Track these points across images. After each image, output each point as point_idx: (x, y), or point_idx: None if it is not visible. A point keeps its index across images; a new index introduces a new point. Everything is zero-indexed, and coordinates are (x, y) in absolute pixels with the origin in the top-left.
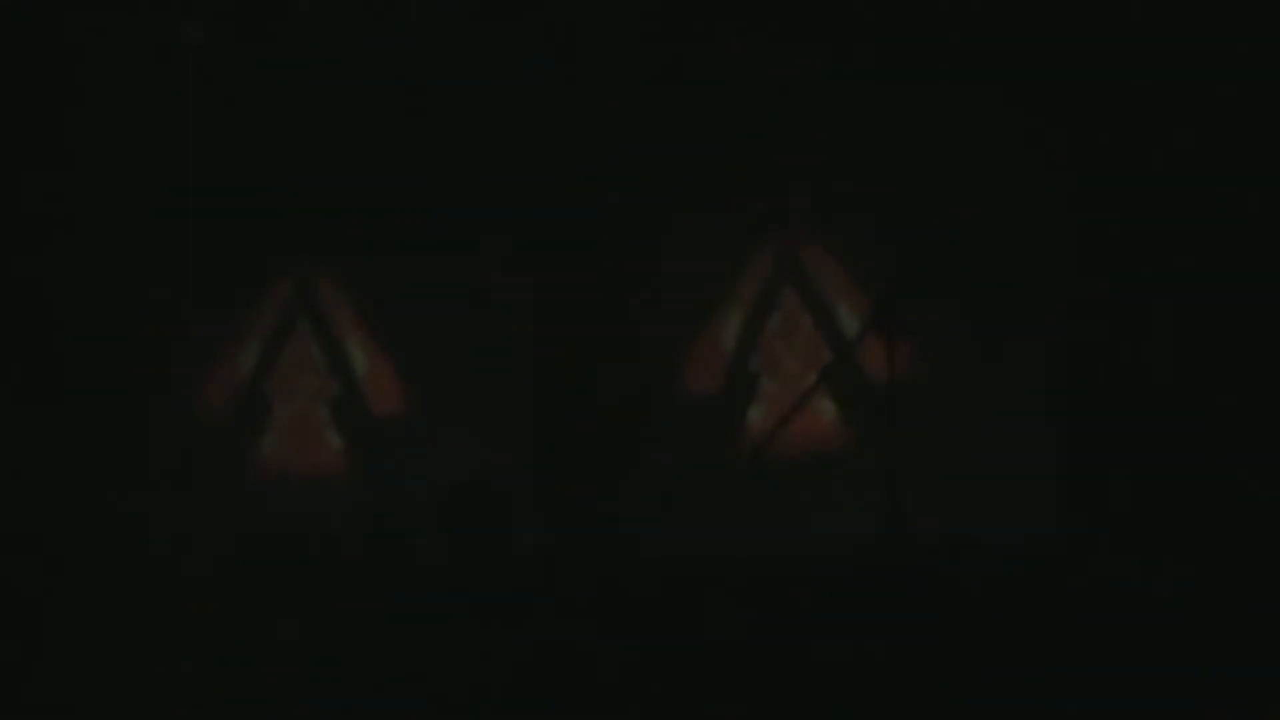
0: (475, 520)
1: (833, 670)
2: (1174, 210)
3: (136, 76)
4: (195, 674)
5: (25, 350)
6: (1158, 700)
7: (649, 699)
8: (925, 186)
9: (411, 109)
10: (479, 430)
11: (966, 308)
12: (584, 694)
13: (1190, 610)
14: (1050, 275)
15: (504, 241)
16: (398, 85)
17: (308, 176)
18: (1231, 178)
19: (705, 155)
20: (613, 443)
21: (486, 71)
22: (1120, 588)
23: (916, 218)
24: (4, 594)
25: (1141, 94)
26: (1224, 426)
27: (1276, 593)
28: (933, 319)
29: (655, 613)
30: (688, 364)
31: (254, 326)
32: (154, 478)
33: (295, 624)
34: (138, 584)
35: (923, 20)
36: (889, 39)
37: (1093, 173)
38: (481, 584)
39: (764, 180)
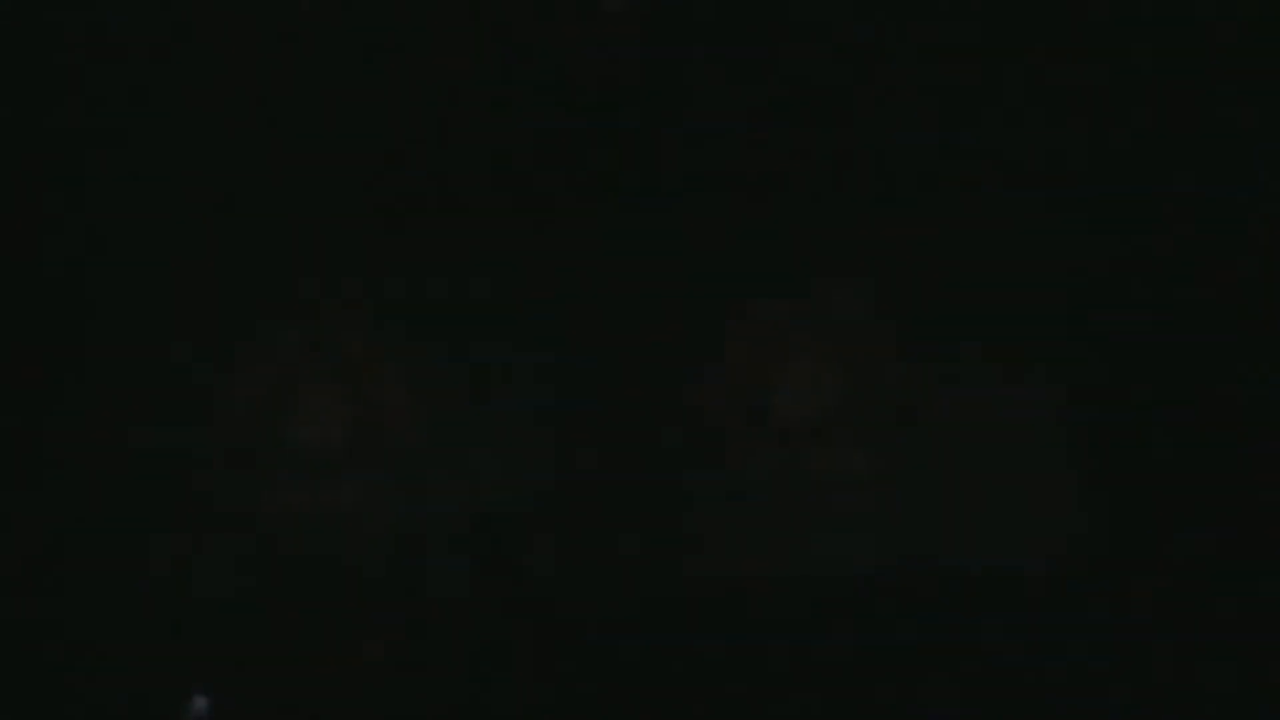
0: (495, 547)
1: (856, 692)
2: (1192, 231)
3: (151, 86)
4: (220, 698)
5: (50, 379)
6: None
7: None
8: (944, 217)
9: (437, 126)
10: (500, 458)
11: (987, 333)
12: (602, 716)
13: (1207, 628)
14: (1069, 300)
15: (527, 267)
16: (422, 102)
17: (327, 202)
18: (1241, 195)
19: (732, 181)
20: (632, 470)
21: (519, 98)
22: (1142, 608)
23: (937, 246)
24: (24, 620)
25: (1144, 108)
26: (1249, 448)
27: None
28: (954, 345)
29: (674, 637)
30: (709, 391)
31: (274, 352)
32: (173, 505)
33: (318, 649)
34: (157, 611)
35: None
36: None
37: (1111, 200)
38: (501, 610)
39: (791, 207)
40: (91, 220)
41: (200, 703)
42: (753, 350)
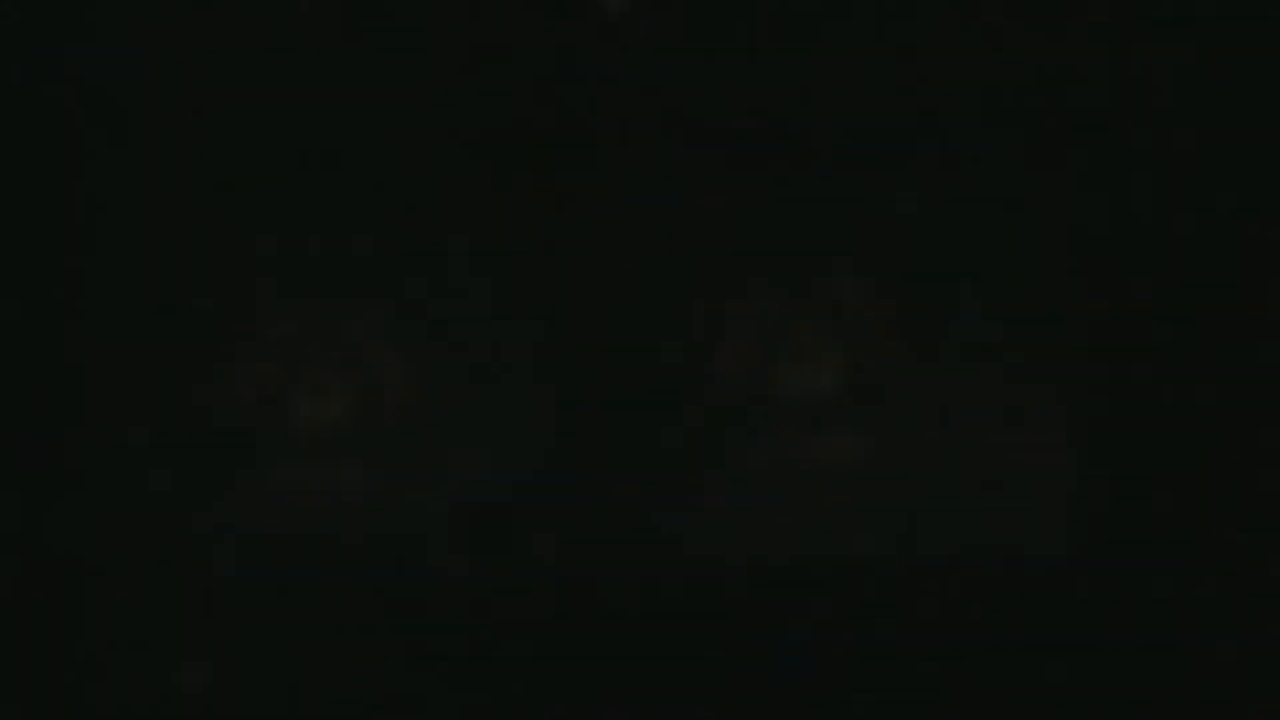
0: (494, 535)
1: (850, 683)
2: (1199, 228)
3: (150, 79)
4: (209, 680)
5: (45, 357)
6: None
7: (665, 713)
8: (947, 207)
9: (437, 121)
10: (498, 443)
11: (989, 323)
12: (600, 707)
13: (1212, 626)
14: (1072, 291)
15: (530, 250)
16: (421, 98)
17: (325, 184)
18: (1248, 193)
19: (732, 176)
20: (632, 455)
21: (519, 94)
22: (1138, 605)
23: (939, 234)
24: (20, 596)
25: (1152, 104)
26: (1249, 444)
27: None
28: (955, 333)
29: (673, 625)
30: (708, 376)
31: (271, 335)
32: (169, 485)
33: (309, 636)
34: (151, 589)
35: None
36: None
37: (1118, 191)
38: (499, 600)
39: (792, 202)
40: (91, 200)
41: (198, 677)
42: (756, 340)
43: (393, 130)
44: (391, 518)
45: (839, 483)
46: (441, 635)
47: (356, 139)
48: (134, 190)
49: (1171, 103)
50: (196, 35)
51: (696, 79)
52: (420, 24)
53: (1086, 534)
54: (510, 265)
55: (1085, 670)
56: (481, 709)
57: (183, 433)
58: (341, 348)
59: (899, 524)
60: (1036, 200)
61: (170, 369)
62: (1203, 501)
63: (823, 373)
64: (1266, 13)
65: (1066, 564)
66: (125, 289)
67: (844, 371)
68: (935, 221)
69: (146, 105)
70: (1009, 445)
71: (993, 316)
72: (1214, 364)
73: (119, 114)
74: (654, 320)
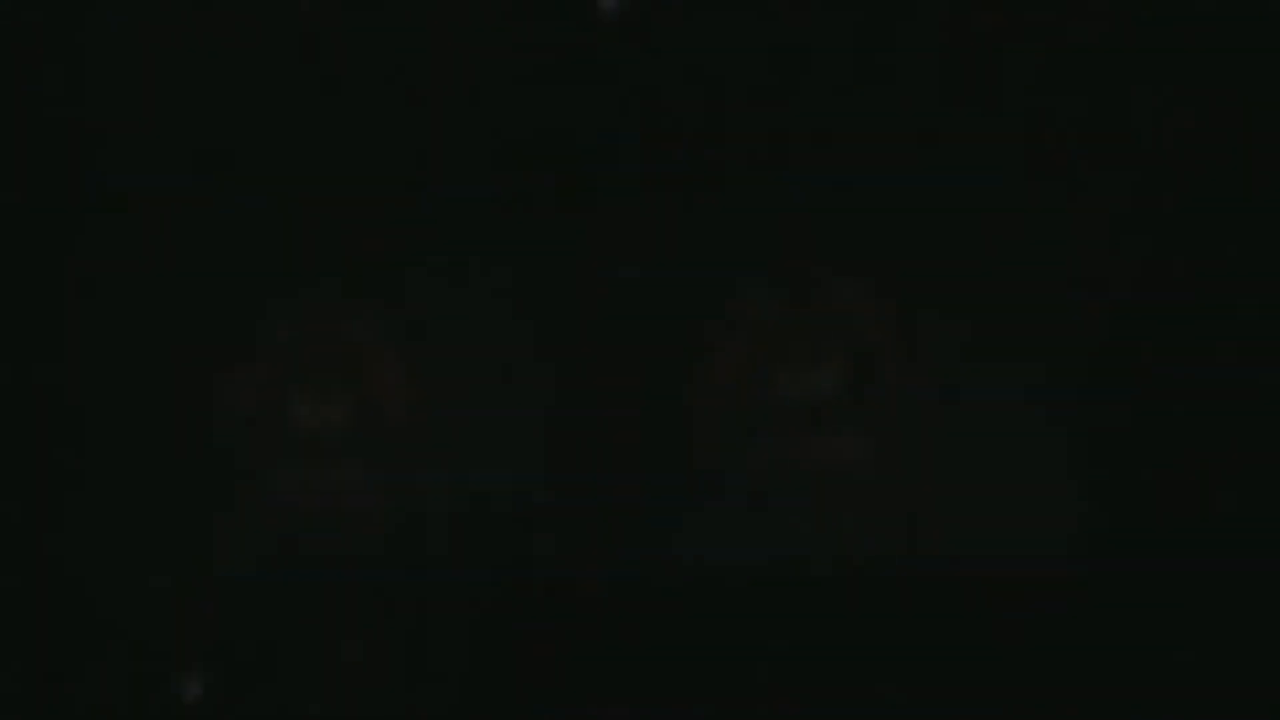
0: (494, 535)
1: (850, 683)
2: (1200, 228)
3: (150, 81)
4: (209, 681)
5: (43, 365)
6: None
7: (665, 713)
8: (944, 206)
9: (433, 122)
10: (497, 444)
11: (985, 323)
12: (600, 707)
13: (1212, 626)
14: (1070, 289)
15: (525, 259)
16: (417, 99)
17: (324, 187)
18: (1247, 194)
19: (729, 176)
20: (633, 455)
21: (514, 95)
22: (1138, 606)
23: (935, 236)
24: (20, 599)
25: (1157, 103)
26: (1250, 445)
27: None
28: (952, 335)
29: (672, 625)
30: (708, 377)
31: (273, 339)
32: (172, 492)
33: (314, 638)
34: (151, 591)
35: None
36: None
37: (1117, 193)
38: (499, 600)
39: (791, 202)
40: (91, 202)
41: (192, 684)
42: (756, 341)
43: (391, 131)
44: (391, 518)
45: (839, 483)
46: (441, 635)
47: (355, 141)
48: (133, 192)
49: (1172, 106)
50: (197, 36)
51: (694, 79)
52: (418, 25)
53: (1087, 535)
54: (510, 266)
55: (1085, 670)
56: (481, 709)
57: (183, 436)
58: (341, 349)
59: (899, 525)
60: (1037, 201)
61: (170, 371)
62: (1203, 502)
63: (823, 373)
64: (1266, 13)
65: (1066, 565)
66: (125, 290)
67: (844, 372)
68: (935, 222)
69: (147, 106)
70: (1009, 446)
71: (993, 318)
72: (1214, 366)
73: (119, 115)
74: (654, 321)
